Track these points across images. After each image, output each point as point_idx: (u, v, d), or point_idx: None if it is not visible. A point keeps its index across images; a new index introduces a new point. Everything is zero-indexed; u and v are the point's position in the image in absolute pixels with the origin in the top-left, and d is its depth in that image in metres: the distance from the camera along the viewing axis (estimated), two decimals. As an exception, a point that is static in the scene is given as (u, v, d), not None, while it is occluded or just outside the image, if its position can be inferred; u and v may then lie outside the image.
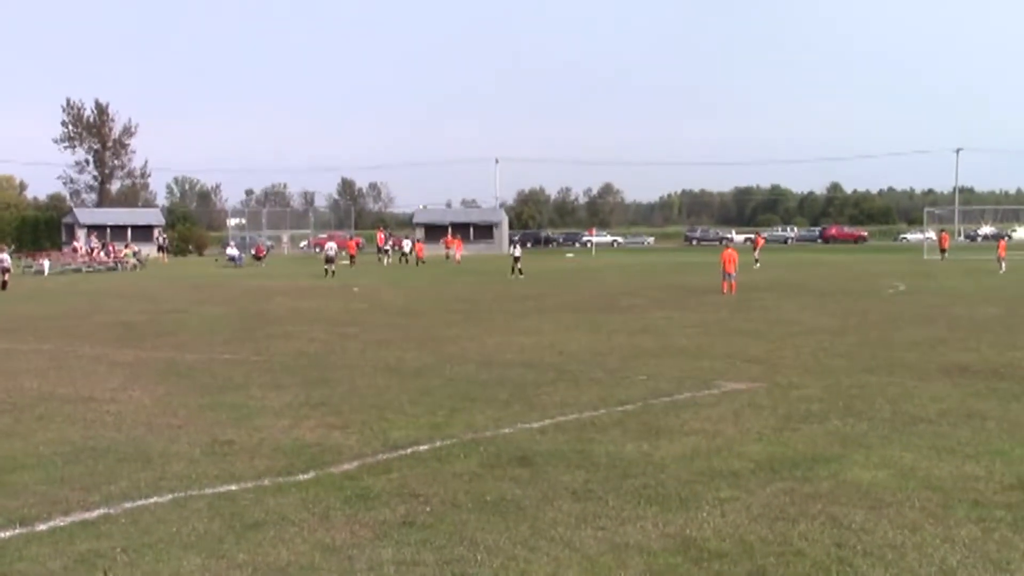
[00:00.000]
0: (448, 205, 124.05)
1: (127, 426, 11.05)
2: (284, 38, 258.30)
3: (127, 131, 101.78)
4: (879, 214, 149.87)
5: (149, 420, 11.38)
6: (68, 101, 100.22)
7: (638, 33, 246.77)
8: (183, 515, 7.57)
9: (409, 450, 9.64)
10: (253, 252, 64.30)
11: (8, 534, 7.20)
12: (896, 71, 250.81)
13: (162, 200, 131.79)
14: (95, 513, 7.66)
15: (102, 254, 60.41)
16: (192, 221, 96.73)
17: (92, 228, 75.78)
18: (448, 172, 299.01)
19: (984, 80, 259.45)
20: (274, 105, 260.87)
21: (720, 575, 6.28)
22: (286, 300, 30.58)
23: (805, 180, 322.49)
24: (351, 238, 71.79)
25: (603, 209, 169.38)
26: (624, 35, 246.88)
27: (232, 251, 64.04)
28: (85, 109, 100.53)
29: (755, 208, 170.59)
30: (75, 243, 68.51)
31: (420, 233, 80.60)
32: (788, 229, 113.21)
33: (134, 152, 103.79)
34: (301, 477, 8.67)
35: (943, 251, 57.29)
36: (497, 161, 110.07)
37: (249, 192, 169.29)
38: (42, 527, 7.33)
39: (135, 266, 58.20)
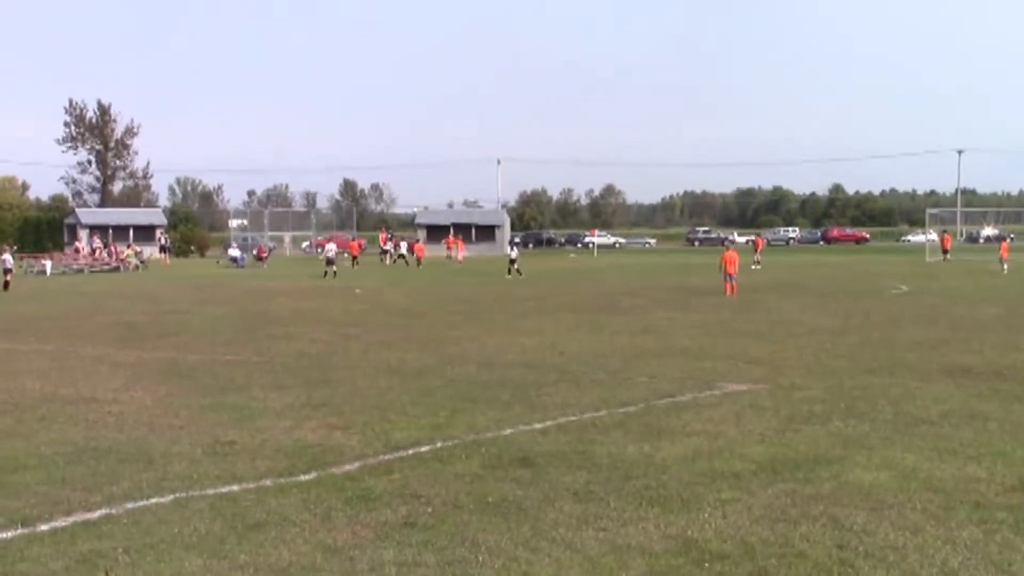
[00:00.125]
0: (450, 206, 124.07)
1: (129, 427, 11.06)
2: (284, 38, 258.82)
3: (129, 131, 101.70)
4: (881, 215, 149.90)
5: (151, 421, 11.39)
6: (71, 102, 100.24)
7: (638, 33, 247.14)
8: (185, 516, 7.58)
9: (411, 451, 9.64)
10: (255, 253, 64.33)
11: (10, 534, 7.20)
12: (896, 71, 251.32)
13: (164, 201, 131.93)
14: (97, 514, 7.66)
15: (104, 254, 60.46)
16: (194, 222, 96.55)
17: (94, 229, 75.63)
18: (449, 173, 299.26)
19: (984, 80, 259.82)
20: (274, 105, 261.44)
21: (721, 576, 6.28)
22: (288, 301, 30.59)
23: (807, 181, 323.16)
24: (354, 239, 71.84)
25: (605, 210, 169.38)
26: (624, 35, 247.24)
27: (234, 252, 64.02)
28: (87, 110, 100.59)
29: (757, 209, 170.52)
30: (77, 244, 68.55)
31: (422, 234, 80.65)
32: (790, 230, 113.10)
33: (136, 153, 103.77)
34: (303, 478, 8.67)
35: (945, 252, 57.28)
36: (499, 162, 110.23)
37: (251, 193, 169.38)
38: (44, 527, 7.34)
39: (137, 267, 58.23)
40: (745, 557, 6.56)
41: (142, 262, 60.01)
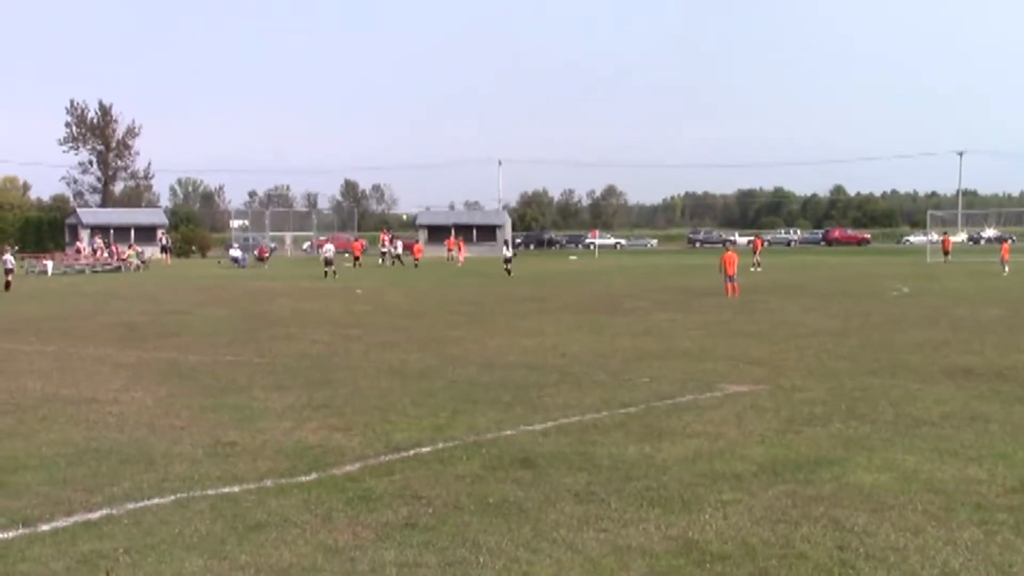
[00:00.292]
0: (451, 207, 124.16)
1: (130, 427, 11.06)
2: (284, 38, 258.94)
3: (130, 132, 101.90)
4: (882, 217, 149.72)
5: (152, 421, 11.39)
6: (72, 102, 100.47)
7: (638, 33, 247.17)
8: (185, 516, 7.58)
9: (411, 452, 9.64)
10: (256, 253, 64.39)
11: (11, 535, 7.21)
12: (896, 71, 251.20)
13: (165, 201, 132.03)
14: (97, 514, 7.66)
15: (105, 255, 60.49)
16: (195, 222, 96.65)
17: (95, 229, 75.66)
18: (450, 173, 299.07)
19: (985, 81, 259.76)
20: (274, 105, 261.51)
21: (722, 578, 6.28)
22: (289, 302, 30.60)
23: (808, 182, 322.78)
24: (355, 240, 71.89)
25: (606, 211, 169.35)
26: (624, 35, 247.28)
27: (235, 252, 64.09)
28: (89, 110, 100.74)
29: (758, 210, 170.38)
30: (78, 244, 68.58)
31: (423, 235, 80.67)
32: (791, 231, 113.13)
33: (137, 153, 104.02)
34: (303, 479, 8.67)
35: (946, 253, 57.28)
36: (500, 163, 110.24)
37: (252, 193, 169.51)
38: (45, 528, 7.34)
39: (138, 267, 58.27)
40: (746, 558, 6.56)
41: (143, 262, 60.06)
